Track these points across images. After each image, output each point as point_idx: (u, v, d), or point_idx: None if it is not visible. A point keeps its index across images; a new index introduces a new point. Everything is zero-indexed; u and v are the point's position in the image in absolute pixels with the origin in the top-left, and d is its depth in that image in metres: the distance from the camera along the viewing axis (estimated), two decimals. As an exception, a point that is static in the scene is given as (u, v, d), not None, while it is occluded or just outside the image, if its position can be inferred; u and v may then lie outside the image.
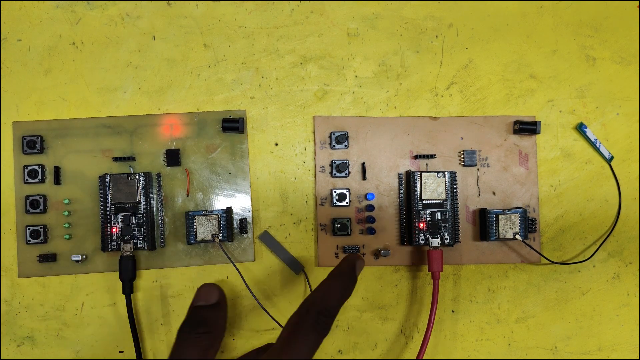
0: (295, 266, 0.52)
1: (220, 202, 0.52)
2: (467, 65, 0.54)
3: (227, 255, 0.50)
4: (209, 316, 0.39)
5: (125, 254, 0.49)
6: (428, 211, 0.50)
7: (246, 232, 0.52)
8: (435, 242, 0.50)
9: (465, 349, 0.53)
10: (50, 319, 0.51)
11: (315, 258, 0.52)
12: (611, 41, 0.54)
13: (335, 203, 0.51)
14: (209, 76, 0.52)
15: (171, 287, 0.52)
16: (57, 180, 0.51)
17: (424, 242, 0.50)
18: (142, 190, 0.50)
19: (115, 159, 0.51)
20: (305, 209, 0.52)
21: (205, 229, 0.50)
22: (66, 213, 0.51)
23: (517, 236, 0.51)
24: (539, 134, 0.53)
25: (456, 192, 0.51)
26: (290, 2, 0.53)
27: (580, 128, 0.53)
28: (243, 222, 0.51)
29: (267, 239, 0.52)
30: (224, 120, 0.51)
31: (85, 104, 0.52)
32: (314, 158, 0.52)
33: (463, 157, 0.53)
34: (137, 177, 0.50)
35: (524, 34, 0.54)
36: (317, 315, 0.37)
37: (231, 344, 0.52)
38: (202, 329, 0.38)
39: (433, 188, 0.50)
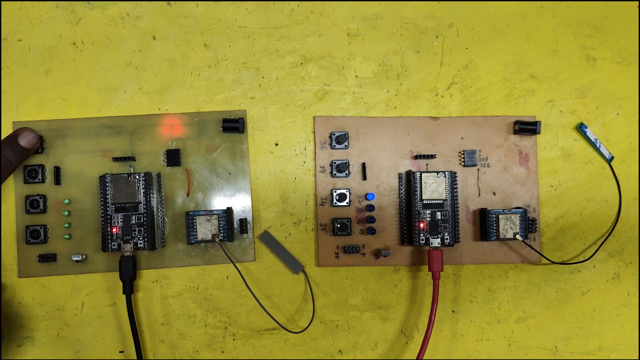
0: (296, 266, 0.52)
1: (220, 202, 0.52)
2: (467, 66, 0.54)
3: (227, 255, 0.50)
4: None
5: (125, 254, 0.49)
6: (428, 211, 0.50)
7: (246, 232, 0.52)
8: (436, 242, 0.50)
9: (465, 349, 0.53)
10: (51, 319, 0.51)
11: (315, 258, 0.52)
12: (611, 41, 0.54)
13: (336, 203, 0.51)
14: (209, 76, 0.53)
15: (171, 287, 0.52)
16: (57, 180, 0.51)
17: (424, 242, 0.50)
18: (142, 190, 0.50)
19: (116, 159, 0.51)
20: (306, 209, 0.52)
21: (205, 229, 0.50)
22: (66, 213, 0.51)
23: (518, 236, 0.51)
24: (539, 134, 0.53)
25: (456, 192, 0.51)
26: (291, 2, 0.53)
27: (581, 128, 0.53)
28: (243, 222, 0.51)
29: (267, 239, 0.52)
30: (224, 120, 0.51)
31: (86, 104, 0.52)
32: (314, 158, 0.52)
33: (463, 157, 0.53)
34: (137, 177, 0.50)
35: (524, 34, 0.54)
36: None
37: (231, 344, 0.52)
38: None
39: (433, 188, 0.50)
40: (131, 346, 0.50)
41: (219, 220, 0.50)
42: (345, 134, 0.52)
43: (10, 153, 0.47)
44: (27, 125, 0.51)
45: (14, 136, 0.48)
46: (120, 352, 0.52)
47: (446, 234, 0.50)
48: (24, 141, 0.48)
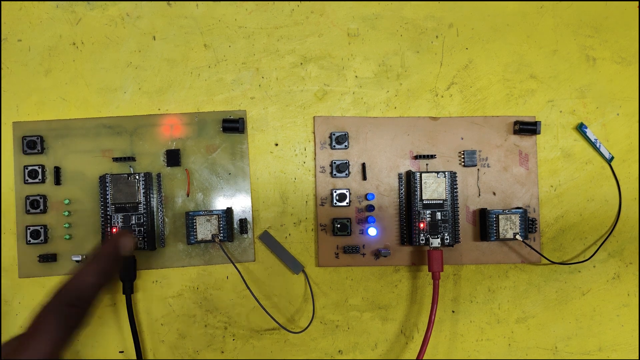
0: (296, 266, 0.52)
1: (220, 202, 0.52)
2: (467, 66, 0.54)
3: (227, 255, 0.50)
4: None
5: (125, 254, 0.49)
6: (428, 211, 0.50)
7: (246, 232, 0.52)
8: (436, 242, 0.50)
9: (465, 349, 0.53)
10: (51, 319, 0.51)
11: (315, 258, 0.52)
12: (611, 41, 0.54)
13: (336, 203, 0.51)
14: (209, 76, 0.52)
15: (171, 287, 0.52)
16: (57, 181, 0.51)
17: (424, 242, 0.50)
18: (142, 191, 0.50)
19: (116, 159, 0.51)
20: (306, 209, 0.52)
21: (205, 229, 0.50)
22: (66, 213, 0.51)
23: (517, 236, 0.51)
24: (539, 134, 0.53)
25: (456, 192, 0.51)
26: (291, 2, 0.53)
27: (581, 128, 0.53)
28: (243, 222, 0.51)
29: (267, 239, 0.52)
30: (224, 121, 0.51)
31: (86, 104, 0.52)
32: (314, 158, 0.52)
33: (463, 158, 0.53)
34: (137, 177, 0.50)
35: (524, 34, 0.54)
36: (65, 308, 0.35)
37: (231, 344, 0.52)
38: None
39: (433, 188, 0.50)
40: (131, 346, 0.50)
41: (218, 221, 0.50)
42: (345, 134, 0.52)
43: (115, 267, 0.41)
44: (27, 124, 0.51)
45: (114, 246, 0.41)
46: (120, 352, 0.52)
47: (446, 234, 0.50)
48: (125, 249, 0.42)
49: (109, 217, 0.49)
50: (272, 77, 0.53)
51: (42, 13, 0.52)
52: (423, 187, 0.50)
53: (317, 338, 0.52)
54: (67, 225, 0.51)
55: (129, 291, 0.49)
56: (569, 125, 0.54)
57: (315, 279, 0.52)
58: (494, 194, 0.53)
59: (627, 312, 0.53)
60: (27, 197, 0.50)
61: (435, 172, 0.50)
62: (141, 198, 0.50)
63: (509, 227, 0.51)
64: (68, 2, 0.52)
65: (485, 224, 0.51)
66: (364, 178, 0.52)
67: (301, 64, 0.53)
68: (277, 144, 0.53)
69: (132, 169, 0.51)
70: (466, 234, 0.52)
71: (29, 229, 0.50)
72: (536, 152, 0.53)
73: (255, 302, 0.51)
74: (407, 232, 0.51)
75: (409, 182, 0.51)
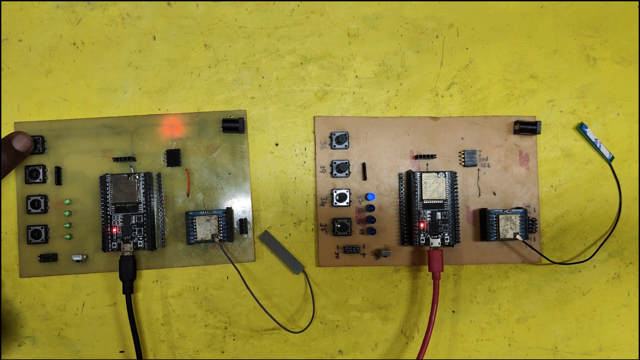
0: (296, 266, 0.52)
1: (220, 202, 0.52)
2: (467, 66, 0.54)
3: (227, 255, 0.50)
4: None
5: (125, 254, 0.49)
6: (428, 211, 0.50)
7: (246, 232, 0.52)
8: (436, 242, 0.50)
9: (465, 349, 0.53)
10: (51, 319, 0.51)
11: (315, 258, 0.52)
12: (612, 41, 0.54)
13: (336, 203, 0.51)
14: (210, 76, 0.53)
15: (171, 287, 0.52)
16: (58, 181, 0.51)
17: (424, 242, 0.50)
18: (142, 191, 0.50)
19: (116, 159, 0.51)
20: (306, 209, 0.52)
21: (205, 229, 0.50)
22: (67, 213, 0.51)
23: (518, 236, 0.51)
24: (540, 134, 0.53)
25: (456, 192, 0.51)
26: (291, 2, 0.53)
27: (581, 128, 0.53)
28: (243, 222, 0.51)
29: (267, 239, 0.52)
30: (224, 121, 0.51)
31: (86, 104, 0.52)
32: (315, 158, 0.52)
33: (463, 157, 0.53)
34: (137, 177, 0.50)
35: (524, 34, 0.54)
36: None
37: (231, 344, 0.52)
38: None
39: (433, 188, 0.50)
40: (131, 346, 0.50)
41: (218, 221, 0.50)
42: (346, 134, 0.52)
43: (5, 157, 0.47)
44: (29, 125, 0.51)
45: (8, 140, 0.48)
46: (120, 352, 0.52)
47: (446, 234, 0.50)
48: (19, 145, 0.48)
49: (109, 217, 0.49)
50: (273, 77, 0.53)
51: (42, 13, 0.53)
52: (423, 187, 0.50)
53: (317, 338, 0.52)
54: (67, 225, 0.51)
55: (128, 291, 0.49)
56: (569, 125, 0.54)
57: (316, 279, 0.52)
58: (494, 194, 0.53)
59: (627, 312, 0.53)
60: (28, 197, 0.50)
61: (436, 172, 0.50)
62: (141, 198, 0.50)
63: (509, 227, 0.51)
64: (68, 2, 0.53)
65: (485, 224, 0.51)
66: (364, 178, 0.52)
67: (301, 64, 0.53)
68: (277, 144, 0.53)
69: (132, 169, 0.51)
70: (466, 234, 0.52)
71: (30, 228, 0.50)
72: (536, 152, 0.53)
73: (255, 302, 0.51)
74: (407, 232, 0.51)
75: (409, 182, 0.51)
